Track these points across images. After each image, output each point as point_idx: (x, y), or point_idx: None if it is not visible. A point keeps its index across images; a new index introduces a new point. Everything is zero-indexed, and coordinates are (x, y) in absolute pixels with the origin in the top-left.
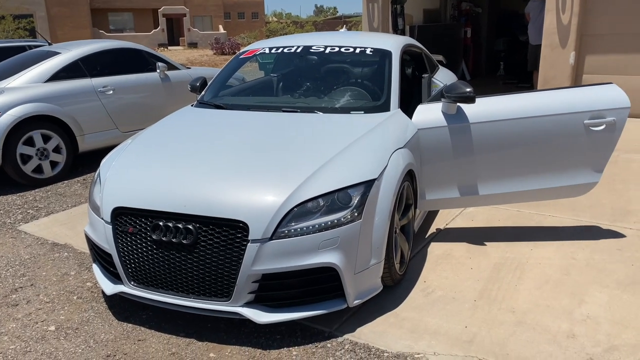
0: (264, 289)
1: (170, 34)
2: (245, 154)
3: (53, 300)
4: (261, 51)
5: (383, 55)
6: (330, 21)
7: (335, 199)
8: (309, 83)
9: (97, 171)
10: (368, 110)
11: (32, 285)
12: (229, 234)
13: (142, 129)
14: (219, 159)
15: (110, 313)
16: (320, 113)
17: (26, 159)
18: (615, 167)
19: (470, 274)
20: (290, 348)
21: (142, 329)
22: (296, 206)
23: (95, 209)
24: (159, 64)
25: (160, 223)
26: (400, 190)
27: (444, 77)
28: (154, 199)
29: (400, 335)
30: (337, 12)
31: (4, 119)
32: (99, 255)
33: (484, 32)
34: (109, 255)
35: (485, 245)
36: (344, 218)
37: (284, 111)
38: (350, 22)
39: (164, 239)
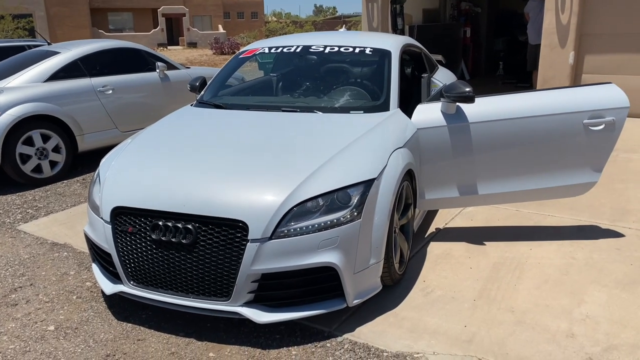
0: (264, 288)
1: (170, 34)
2: (244, 153)
3: (52, 300)
4: (260, 51)
5: (382, 55)
6: (329, 21)
7: (334, 199)
8: (308, 83)
9: (97, 171)
10: (367, 109)
11: (31, 285)
12: (228, 233)
13: (142, 129)
14: (219, 159)
15: (110, 313)
16: (320, 113)
17: (25, 158)
18: (615, 166)
19: (469, 273)
20: (290, 348)
21: (142, 328)
22: (295, 206)
23: (95, 209)
24: (159, 63)
25: (160, 223)
26: (399, 189)
27: (443, 76)
28: (153, 198)
29: (400, 335)
30: (337, 11)
31: (4, 118)
32: (99, 254)
33: (483, 32)
34: (109, 255)
35: (484, 244)
36: (343, 218)
37: (283, 111)
38: (349, 22)
39: (163, 238)
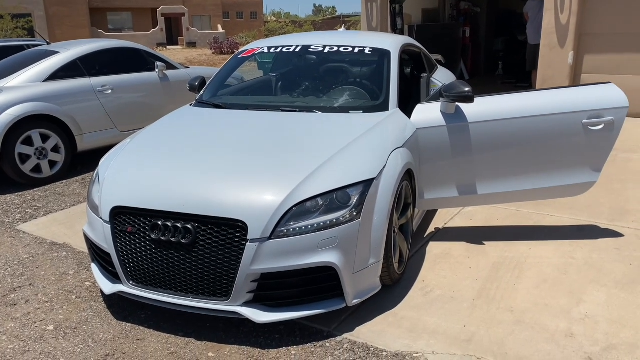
0: (263, 288)
1: (169, 34)
2: (244, 153)
3: (52, 299)
4: (260, 50)
5: (382, 55)
6: (329, 21)
7: (334, 199)
8: (307, 82)
9: (96, 170)
10: (367, 109)
11: (30, 284)
12: (227, 233)
13: (141, 129)
14: (218, 159)
15: (109, 312)
16: (319, 112)
17: (25, 158)
18: (614, 166)
19: (469, 273)
20: (289, 347)
21: (141, 328)
22: (295, 205)
23: (94, 209)
24: (158, 63)
25: (159, 222)
26: (399, 189)
27: (442, 76)
28: (152, 198)
29: (399, 335)
30: (336, 11)
31: (3, 118)
32: (98, 254)
33: (482, 32)
34: (108, 255)
35: (484, 244)
36: (342, 217)
37: (282, 111)
38: (349, 22)
39: (162, 238)
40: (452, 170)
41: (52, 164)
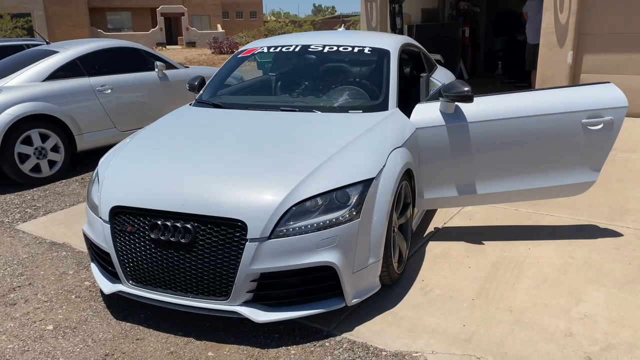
0: (263, 288)
1: (169, 33)
2: (243, 153)
3: (51, 299)
4: (259, 50)
5: (381, 55)
6: (328, 20)
7: (333, 198)
8: (307, 82)
9: (95, 170)
10: (366, 109)
11: (30, 284)
12: (227, 233)
13: (141, 128)
14: (217, 158)
15: (109, 312)
16: (319, 112)
17: (24, 158)
18: (613, 166)
19: (468, 273)
20: (289, 347)
21: (141, 328)
22: (294, 205)
23: (94, 208)
24: (157, 63)
25: (159, 222)
26: (398, 189)
27: (442, 76)
28: (152, 198)
29: (399, 334)
30: (336, 11)
31: (2, 118)
32: (97, 254)
33: (482, 32)
34: (107, 255)
35: (483, 244)
36: (342, 217)
37: (282, 110)
38: (348, 22)
39: (162, 238)
40: (451, 169)
41: (52, 163)
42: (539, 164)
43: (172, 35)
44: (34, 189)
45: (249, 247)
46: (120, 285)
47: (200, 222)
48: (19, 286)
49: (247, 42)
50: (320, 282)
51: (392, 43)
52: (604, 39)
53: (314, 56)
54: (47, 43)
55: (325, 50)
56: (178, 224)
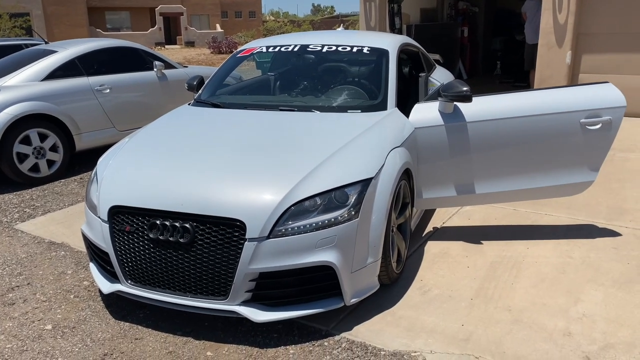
0: (261, 287)
1: (168, 33)
2: (242, 152)
3: (50, 299)
4: (258, 50)
5: (380, 54)
6: (327, 20)
7: (332, 198)
8: (306, 82)
9: (94, 170)
10: (365, 109)
11: (28, 284)
12: (226, 232)
13: (139, 128)
14: (216, 158)
15: (107, 312)
16: (318, 112)
17: (23, 157)
18: (611, 166)
19: (466, 272)
20: (288, 346)
21: (139, 327)
22: (293, 205)
23: (92, 208)
24: (156, 62)
25: (158, 222)
26: (397, 189)
27: (440, 76)
28: (151, 197)
29: (397, 334)
30: (335, 11)
31: (1, 117)
32: (96, 254)
33: (480, 32)
34: (106, 254)
35: (481, 243)
36: (341, 217)
37: (281, 110)
38: (347, 21)
39: (161, 237)
40: (450, 169)
41: (50, 163)
42: (538, 163)
43: (171, 35)
44: (33, 189)
45: (248, 247)
46: (119, 285)
47: (199, 221)
48: (18, 286)
49: (246, 42)
50: (318, 282)
51: (390, 43)
52: (603, 39)
53: (313, 56)
54: (46, 42)
55: (324, 50)
56: (177, 224)
